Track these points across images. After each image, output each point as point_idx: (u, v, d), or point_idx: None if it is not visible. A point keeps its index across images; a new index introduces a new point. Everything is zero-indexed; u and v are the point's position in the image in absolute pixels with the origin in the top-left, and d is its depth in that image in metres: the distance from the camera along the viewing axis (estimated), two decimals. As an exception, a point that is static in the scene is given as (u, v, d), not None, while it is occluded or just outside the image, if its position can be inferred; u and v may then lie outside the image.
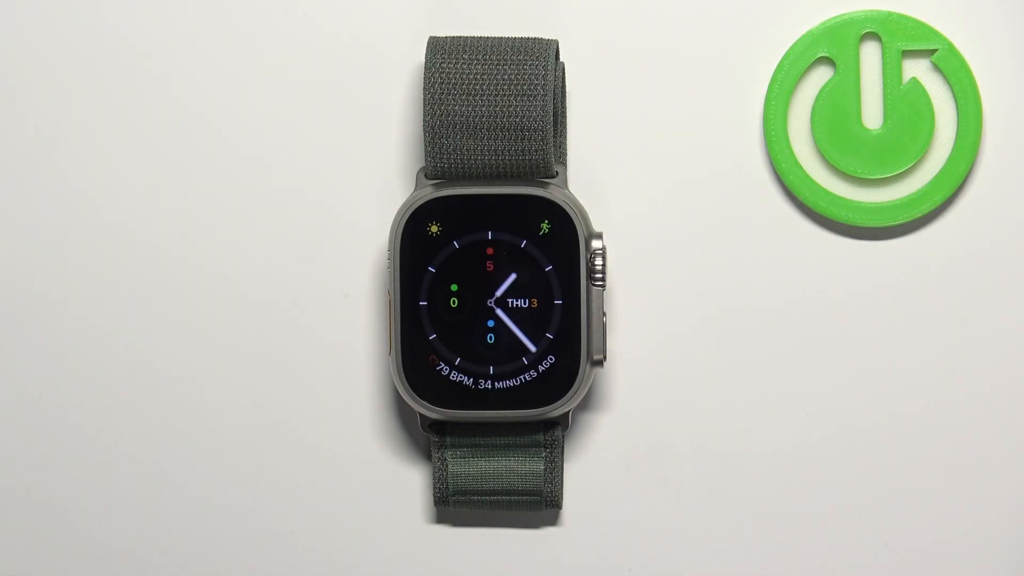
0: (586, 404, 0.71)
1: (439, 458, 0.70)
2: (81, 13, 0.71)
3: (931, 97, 0.70)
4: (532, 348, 0.67)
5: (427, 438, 0.71)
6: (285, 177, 0.71)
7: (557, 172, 0.68)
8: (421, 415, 0.69)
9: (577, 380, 0.67)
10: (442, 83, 0.67)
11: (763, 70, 0.70)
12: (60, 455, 0.72)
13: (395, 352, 0.67)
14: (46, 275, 0.71)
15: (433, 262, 0.67)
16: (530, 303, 0.67)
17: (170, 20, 0.71)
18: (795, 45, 0.70)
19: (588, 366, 0.67)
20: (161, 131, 0.71)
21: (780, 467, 0.71)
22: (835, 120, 0.70)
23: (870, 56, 0.70)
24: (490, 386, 0.67)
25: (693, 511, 0.71)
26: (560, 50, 0.70)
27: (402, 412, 0.71)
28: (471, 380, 0.67)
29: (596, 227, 0.70)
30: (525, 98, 0.67)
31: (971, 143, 0.70)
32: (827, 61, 0.70)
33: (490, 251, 0.67)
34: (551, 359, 0.67)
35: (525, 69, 0.67)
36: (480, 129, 0.67)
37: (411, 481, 0.72)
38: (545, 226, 0.67)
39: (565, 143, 0.71)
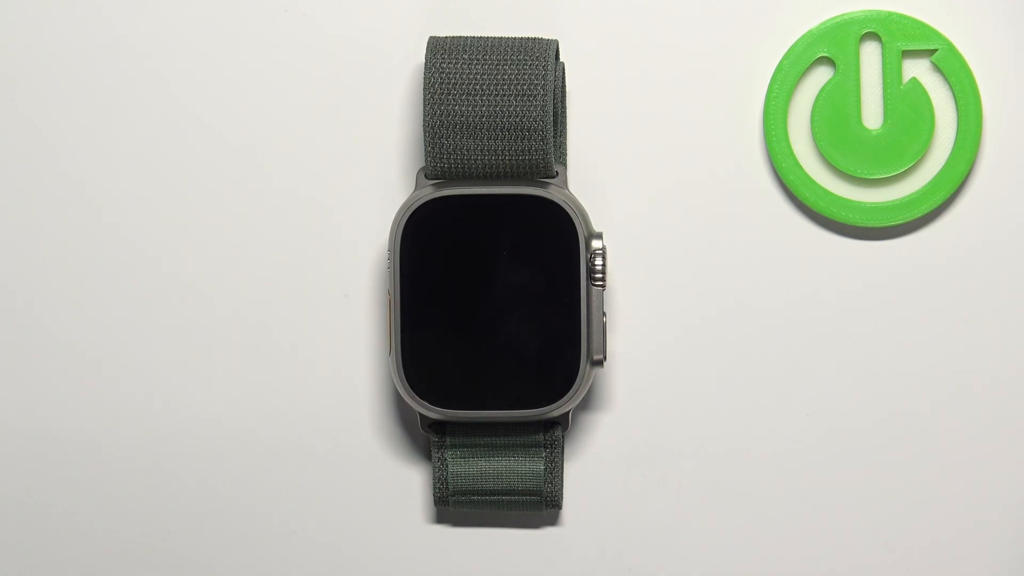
0: (586, 404, 0.71)
1: (439, 458, 0.69)
2: (81, 13, 0.71)
3: (931, 97, 0.70)
4: (532, 348, 0.67)
5: (427, 438, 0.71)
6: (285, 177, 0.71)
7: (557, 172, 0.68)
8: (421, 415, 0.69)
9: (577, 380, 0.67)
10: (442, 83, 0.67)
11: (763, 70, 0.70)
12: (58, 455, 0.72)
13: (395, 352, 0.67)
14: (45, 275, 0.71)
15: (433, 262, 0.67)
16: (530, 303, 0.67)
17: (170, 20, 0.71)
18: (795, 45, 0.70)
19: (588, 366, 0.67)
20: (161, 131, 0.71)
21: (780, 467, 0.71)
22: (835, 120, 0.70)
23: (870, 56, 0.70)
24: (490, 386, 0.67)
25: (693, 511, 0.71)
26: (560, 50, 0.70)
27: (402, 412, 0.71)
28: (471, 380, 0.67)
29: (596, 227, 0.70)
30: (525, 98, 0.67)
31: (971, 143, 0.70)
32: (827, 61, 0.70)
33: (490, 251, 0.67)
34: (551, 359, 0.67)
35: (525, 69, 0.67)
36: (480, 129, 0.67)
37: (411, 481, 0.72)
38: (545, 226, 0.67)
39: (565, 143, 0.71)
